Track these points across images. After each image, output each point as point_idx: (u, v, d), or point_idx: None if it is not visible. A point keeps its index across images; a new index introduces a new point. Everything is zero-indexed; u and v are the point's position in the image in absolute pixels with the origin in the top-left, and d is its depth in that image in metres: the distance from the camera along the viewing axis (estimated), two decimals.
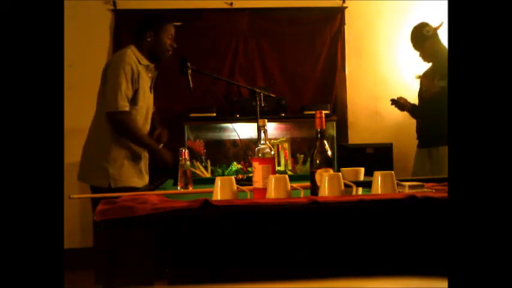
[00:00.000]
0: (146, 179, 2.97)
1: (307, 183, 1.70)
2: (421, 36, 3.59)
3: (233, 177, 1.62)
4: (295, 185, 1.72)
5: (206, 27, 4.64)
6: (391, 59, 4.84)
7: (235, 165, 4.27)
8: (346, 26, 4.80)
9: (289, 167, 4.35)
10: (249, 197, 1.66)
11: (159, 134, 3.00)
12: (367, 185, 1.68)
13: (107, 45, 4.60)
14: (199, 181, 2.70)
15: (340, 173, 1.59)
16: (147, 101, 2.91)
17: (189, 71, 2.88)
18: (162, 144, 2.97)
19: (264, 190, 1.60)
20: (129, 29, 4.19)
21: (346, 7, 4.79)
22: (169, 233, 1.30)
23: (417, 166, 3.69)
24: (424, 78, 3.70)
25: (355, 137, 4.80)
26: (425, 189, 1.65)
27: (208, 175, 3.93)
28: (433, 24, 3.60)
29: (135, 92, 2.79)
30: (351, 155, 4.39)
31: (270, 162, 1.70)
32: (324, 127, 1.67)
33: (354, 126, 4.83)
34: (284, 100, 4.45)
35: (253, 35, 4.71)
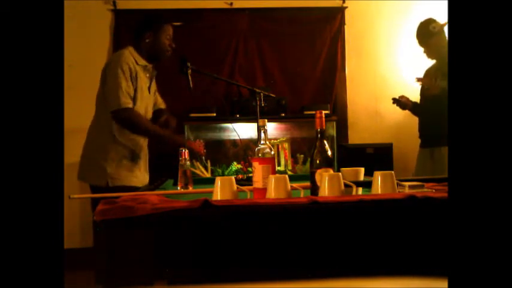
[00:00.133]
0: (146, 178, 2.98)
1: (307, 183, 1.70)
2: (427, 33, 3.55)
3: (233, 177, 1.62)
4: (295, 185, 1.72)
5: (206, 27, 4.64)
6: (391, 59, 4.84)
7: (235, 165, 4.27)
8: (346, 26, 4.80)
9: (289, 167, 4.35)
10: (249, 197, 1.66)
11: (166, 119, 3.02)
12: (367, 185, 1.68)
13: (107, 45, 4.60)
14: (199, 181, 2.70)
15: (340, 173, 1.59)
16: (145, 101, 2.91)
17: (189, 71, 2.89)
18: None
19: (264, 190, 1.60)
20: (129, 29, 4.17)
21: (346, 7, 4.79)
22: (169, 233, 1.30)
23: (419, 166, 3.67)
24: (427, 76, 3.67)
25: (355, 137, 4.81)
26: (425, 189, 1.65)
27: (208, 175, 3.93)
28: (441, 21, 3.56)
29: (134, 91, 2.80)
30: (351, 155, 4.38)
31: (270, 162, 1.70)
32: (324, 127, 1.67)
33: (354, 126, 4.83)
34: (284, 100, 4.45)
35: (253, 35, 4.71)
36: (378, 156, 4.34)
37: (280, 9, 4.73)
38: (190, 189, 2.17)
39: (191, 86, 2.91)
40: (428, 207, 1.37)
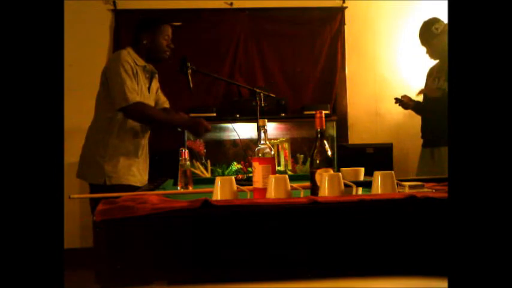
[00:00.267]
0: (145, 178, 2.98)
1: (307, 183, 1.70)
2: (430, 33, 3.53)
3: (233, 177, 1.62)
4: (295, 185, 1.72)
5: (206, 27, 4.64)
6: (391, 59, 4.84)
7: (235, 165, 4.28)
8: (346, 26, 4.80)
9: (289, 167, 4.35)
10: (249, 197, 1.66)
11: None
12: (367, 185, 1.68)
13: (107, 45, 4.60)
14: (199, 181, 2.71)
15: (340, 173, 1.59)
16: (145, 101, 2.91)
17: (189, 71, 2.89)
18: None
19: (264, 190, 1.60)
20: (129, 29, 4.17)
21: (346, 7, 4.79)
22: (169, 233, 1.30)
23: (421, 166, 3.67)
24: (430, 76, 3.67)
25: (355, 137, 4.81)
26: (425, 189, 1.65)
27: (208, 175, 3.93)
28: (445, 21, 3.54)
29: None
30: (351, 155, 4.38)
31: (270, 162, 1.70)
32: (324, 127, 1.67)
33: (354, 126, 4.83)
34: (284, 100, 4.45)
35: (253, 35, 4.71)
36: (378, 156, 4.34)
37: (280, 9, 4.73)
38: (190, 189, 2.17)
39: (191, 86, 2.91)
40: (428, 207, 1.36)
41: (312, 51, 4.76)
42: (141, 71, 2.89)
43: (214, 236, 1.30)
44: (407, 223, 1.36)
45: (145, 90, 2.92)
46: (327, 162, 1.62)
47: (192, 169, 2.68)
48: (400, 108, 3.77)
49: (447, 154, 3.53)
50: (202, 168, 4.07)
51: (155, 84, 3.06)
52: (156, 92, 3.09)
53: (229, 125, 4.45)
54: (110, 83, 2.78)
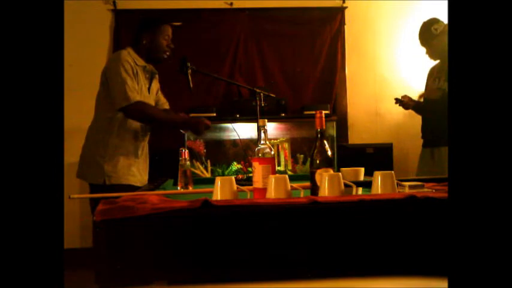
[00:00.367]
0: (144, 178, 2.98)
1: (307, 183, 1.70)
2: (429, 34, 3.53)
3: (233, 177, 1.62)
4: (295, 185, 1.72)
5: (206, 27, 4.64)
6: (391, 59, 4.84)
7: (235, 165, 4.28)
8: (346, 26, 4.80)
9: (289, 167, 4.35)
10: (249, 197, 1.66)
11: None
12: (367, 185, 1.68)
13: (107, 45, 4.60)
14: (199, 181, 2.71)
15: (340, 173, 1.59)
16: (146, 101, 2.91)
17: (189, 71, 2.89)
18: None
19: (264, 190, 1.60)
20: (129, 29, 4.18)
21: (346, 7, 4.80)
22: (169, 233, 1.30)
23: (421, 166, 3.67)
24: (431, 76, 3.66)
25: (355, 137, 4.81)
26: (425, 189, 1.65)
27: (208, 175, 3.93)
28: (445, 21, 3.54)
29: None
30: (351, 155, 4.38)
31: (270, 162, 1.70)
32: (324, 127, 1.67)
33: (354, 126, 4.83)
34: (284, 100, 4.45)
35: (253, 35, 4.71)
36: (378, 156, 4.34)
37: (280, 9, 4.73)
38: (190, 189, 2.17)
39: (191, 86, 2.91)
40: (428, 207, 1.36)
41: (312, 51, 4.76)
42: (141, 71, 2.89)
43: (214, 236, 1.30)
44: (407, 223, 1.36)
45: (145, 91, 2.92)
46: (327, 162, 1.62)
47: (192, 169, 2.68)
48: (400, 108, 3.76)
49: (447, 154, 3.54)
50: (202, 168, 4.07)
51: (155, 84, 3.06)
52: (157, 93, 3.09)
53: (229, 125, 4.45)
54: (110, 82, 2.78)
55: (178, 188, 2.21)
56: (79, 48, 4.33)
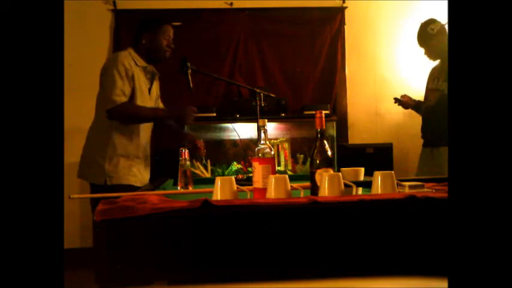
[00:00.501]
0: (146, 178, 2.98)
1: (307, 183, 1.70)
2: (426, 34, 3.54)
3: (233, 177, 1.62)
4: (295, 185, 1.72)
5: (206, 27, 4.64)
6: (391, 59, 4.84)
7: (235, 165, 4.27)
8: (346, 26, 4.80)
9: (289, 167, 4.35)
10: (249, 197, 1.66)
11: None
12: (367, 185, 1.68)
13: (107, 45, 4.60)
14: (199, 181, 2.71)
15: (340, 173, 1.59)
16: (145, 103, 2.91)
17: (189, 71, 2.89)
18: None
19: (264, 190, 1.60)
20: (129, 29, 4.18)
21: (346, 7, 4.79)
22: (169, 233, 1.30)
23: (421, 166, 3.68)
24: (431, 76, 3.67)
25: (355, 137, 4.81)
26: (425, 189, 1.65)
27: (208, 175, 3.93)
28: (442, 21, 3.55)
29: (132, 92, 2.80)
30: (351, 155, 4.38)
31: (270, 162, 1.70)
32: (324, 127, 1.67)
33: (354, 126, 4.83)
34: (284, 100, 4.45)
35: (253, 35, 4.71)
36: (378, 156, 4.34)
37: (280, 9, 4.73)
38: (190, 189, 2.17)
39: (191, 86, 2.91)
40: (428, 207, 1.37)
41: (312, 51, 4.75)
42: (142, 72, 2.89)
43: (214, 236, 1.30)
44: (407, 223, 1.36)
45: (145, 91, 2.92)
46: (327, 162, 1.62)
47: (192, 169, 2.68)
48: (400, 108, 3.77)
49: (446, 154, 3.57)
50: (202, 168, 4.07)
51: (156, 86, 3.06)
52: (156, 100, 3.09)
53: (229, 125, 4.45)
54: (103, 85, 2.81)
55: (178, 188, 2.21)
56: (79, 48, 4.33)
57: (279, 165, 4.29)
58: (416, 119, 3.82)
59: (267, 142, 1.75)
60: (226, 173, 4.20)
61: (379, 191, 1.55)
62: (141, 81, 2.88)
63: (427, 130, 3.66)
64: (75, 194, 1.96)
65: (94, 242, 1.31)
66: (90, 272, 1.31)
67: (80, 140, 2.97)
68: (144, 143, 2.97)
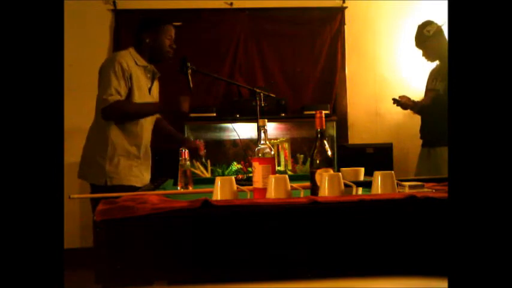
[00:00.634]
0: (146, 178, 2.98)
1: (307, 183, 1.70)
2: (422, 36, 3.57)
3: (233, 177, 1.62)
4: (295, 185, 1.72)
5: (206, 27, 4.64)
6: (391, 59, 4.84)
7: (235, 165, 4.27)
8: (346, 26, 4.80)
9: (289, 167, 4.34)
10: (249, 197, 1.66)
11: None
12: (367, 185, 1.68)
13: (107, 45, 4.60)
14: (199, 181, 2.70)
15: (340, 173, 1.59)
16: (145, 101, 2.91)
17: (189, 71, 2.89)
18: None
19: (264, 190, 1.60)
20: (129, 29, 4.18)
21: (346, 7, 4.79)
22: (169, 233, 1.30)
23: (419, 166, 3.70)
24: (430, 77, 3.69)
25: (355, 137, 4.81)
26: (425, 189, 1.65)
27: (208, 175, 3.92)
28: (439, 23, 3.58)
29: (130, 91, 2.80)
30: (351, 155, 4.38)
31: (270, 162, 1.70)
32: (324, 127, 1.67)
33: (354, 126, 4.83)
34: (284, 100, 4.45)
35: (253, 35, 4.71)
36: (378, 156, 4.34)
37: (280, 9, 4.73)
38: (190, 189, 2.17)
39: (191, 86, 2.91)
40: (428, 207, 1.37)
41: (312, 51, 4.76)
42: (142, 72, 2.89)
43: (214, 236, 1.30)
44: (407, 223, 1.36)
45: (146, 91, 2.91)
46: (327, 162, 1.62)
47: (192, 169, 2.68)
48: (400, 108, 3.77)
49: (440, 155, 3.60)
50: (202, 168, 4.07)
51: (156, 86, 3.06)
52: (156, 100, 3.08)
53: (229, 125, 4.45)
54: (99, 85, 2.80)
55: (178, 188, 2.20)
56: (79, 48, 4.33)
57: (279, 165, 4.28)
58: (416, 119, 3.82)
59: (267, 142, 1.75)
60: (226, 173, 4.20)
61: (379, 191, 1.55)
62: (141, 80, 2.87)
63: (424, 130, 3.69)
64: (75, 194, 1.95)
65: (94, 242, 1.31)
66: (90, 272, 1.31)
67: (80, 140, 2.96)
68: (145, 143, 2.97)
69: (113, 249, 1.28)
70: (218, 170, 4.23)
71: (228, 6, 4.69)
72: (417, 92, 3.97)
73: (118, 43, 4.48)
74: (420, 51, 3.66)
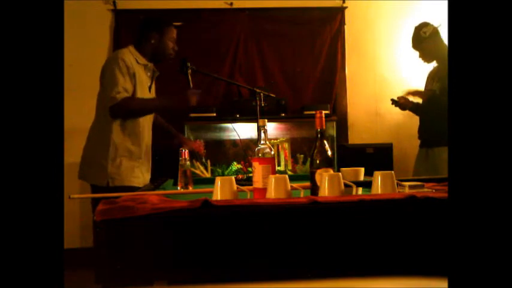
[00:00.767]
0: (147, 178, 2.98)
1: (307, 183, 1.70)
2: (419, 38, 3.62)
3: (233, 177, 1.62)
4: (295, 185, 1.72)
5: (206, 27, 4.64)
6: (391, 59, 4.84)
7: (235, 165, 4.27)
8: (346, 26, 4.80)
9: (289, 167, 4.34)
10: (249, 197, 1.66)
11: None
12: (367, 185, 1.68)
13: (107, 45, 4.60)
14: (199, 181, 2.70)
15: (340, 173, 1.59)
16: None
17: (189, 71, 2.89)
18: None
19: (264, 190, 1.60)
20: (129, 29, 4.19)
21: (346, 7, 4.79)
22: (169, 233, 1.30)
23: (417, 166, 3.72)
24: (428, 78, 3.72)
25: (355, 137, 4.80)
26: (425, 189, 1.65)
27: (208, 175, 3.93)
28: (435, 24, 3.61)
29: (133, 89, 2.80)
30: (351, 155, 4.38)
31: (270, 162, 1.70)
32: (324, 127, 1.67)
33: (354, 126, 4.83)
34: (284, 100, 4.45)
35: (253, 35, 4.71)
36: (378, 156, 4.33)
37: (280, 9, 4.72)
38: (190, 189, 2.17)
39: (191, 86, 2.91)
40: (428, 207, 1.37)
41: (312, 51, 4.75)
42: (143, 70, 2.88)
43: (214, 236, 1.30)
44: (407, 223, 1.36)
45: (146, 89, 2.91)
46: (327, 162, 1.62)
47: (192, 169, 2.68)
48: (399, 108, 3.79)
49: (438, 156, 3.64)
50: (202, 168, 4.07)
51: (153, 85, 3.06)
52: None
53: (229, 125, 4.44)
54: (104, 82, 2.79)
55: (178, 188, 2.20)
56: (79, 48, 4.33)
57: (279, 165, 4.28)
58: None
59: (267, 142, 1.75)
60: (226, 173, 4.20)
61: (379, 191, 1.55)
62: (142, 79, 2.87)
63: (422, 130, 3.71)
64: (75, 194, 1.95)
65: (94, 242, 1.31)
66: (90, 272, 1.31)
67: (80, 140, 2.96)
68: (146, 142, 2.97)
69: (113, 249, 1.28)
70: (218, 170, 4.23)
71: (228, 6, 4.69)
72: (417, 91, 3.97)
73: (118, 43, 4.47)
74: (417, 53, 3.69)
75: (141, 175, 2.91)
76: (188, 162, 2.23)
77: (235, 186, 1.60)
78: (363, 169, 1.95)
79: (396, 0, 4.82)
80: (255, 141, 4.22)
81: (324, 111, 1.70)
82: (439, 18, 3.66)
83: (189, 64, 2.88)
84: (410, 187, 1.65)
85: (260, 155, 1.71)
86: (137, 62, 2.84)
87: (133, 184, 2.81)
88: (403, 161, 4.56)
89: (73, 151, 3.06)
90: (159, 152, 3.68)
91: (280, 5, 4.69)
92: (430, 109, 3.55)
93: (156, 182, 2.58)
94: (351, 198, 1.43)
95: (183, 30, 3.63)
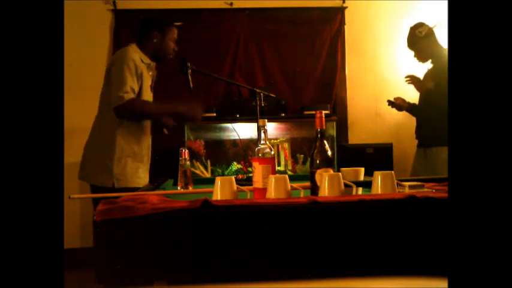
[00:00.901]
0: (147, 178, 2.97)
1: (307, 183, 1.70)
2: (414, 37, 3.64)
3: (233, 177, 1.62)
4: (295, 185, 1.72)
5: (206, 27, 4.64)
6: (391, 59, 4.84)
7: (235, 165, 4.27)
8: (346, 26, 4.80)
9: (289, 167, 4.35)
10: (249, 197, 1.66)
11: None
12: (367, 185, 1.68)
13: (107, 45, 4.60)
14: (199, 181, 2.70)
15: (340, 173, 1.59)
16: (149, 99, 2.91)
17: (189, 71, 2.89)
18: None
19: (264, 190, 1.60)
20: (129, 29, 4.19)
21: (346, 7, 4.80)
22: (169, 233, 1.30)
23: (415, 165, 3.74)
24: (424, 78, 3.74)
25: (355, 137, 4.81)
26: (425, 189, 1.65)
27: (208, 175, 3.93)
28: (431, 24, 3.63)
29: (140, 88, 2.79)
30: (351, 155, 4.39)
31: (270, 162, 1.70)
32: (324, 127, 1.67)
33: (354, 126, 4.83)
34: (284, 100, 4.45)
35: (253, 35, 4.71)
36: (378, 156, 4.34)
37: (280, 9, 4.73)
38: (190, 189, 2.17)
39: (191, 86, 2.91)
40: (428, 207, 1.37)
41: (312, 51, 4.76)
42: (146, 69, 2.88)
43: (214, 236, 1.30)
44: (407, 223, 1.36)
45: (148, 88, 2.91)
46: (327, 162, 1.62)
47: (192, 169, 2.68)
48: (395, 109, 3.80)
49: (437, 154, 3.66)
50: (202, 168, 4.07)
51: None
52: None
53: (229, 125, 4.45)
54: (112, 81, 2.75)
55: (178, 188, 2.21)
56: (79, 48, 4.33)
57: (279, 165, 4.29)
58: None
59: (267, 142, 1.75)
60: (226, 173, 4.20)
61: (379, 191, 1.55)
62: (146, 78, 2.86)
63: (419, 130, 3.73)
64: (75, 194, 1.95)
65: (94, 242, 1.31)
66: (90, 272, 1.31)
67: (80, 140, 2.94)
68: (148, 143, 2.96)
69: (113, 249, 1.28)
70: (218, 170, 4.23)
71: (228, 6, 4.69)
72: (416, 92, 3.96)
73: (118, 43, 4.47)
74: (412, 52, 3.70)
75: (143, 176, 2.90)
76: (188, 162, 2.23)
77: (235, 186, 1.60)
78: (362, 169, 1.95)
79: (396, 0, 4.82)
80: (255, 141, 4.23)
81: (324, 111, 1.70)
82: (439, 19, 3.67)
83: (189, 64, 2.88)
84: (410, 187, 1.65)
85: (260, 155, 1.71)
86: (142, 61, 2.83)
87: (136, 185, 2.79)
88: (403, 161, 4.56)
89: (73, 151, 3.06)
90: (159, 152, 3.69)
91: (280, 5, 4.69)
92: (426, 109, 3.58)
93: (156, 182, 2.58)
94: (351, 198, 1.43)
95: (183, 30, 3.62)
